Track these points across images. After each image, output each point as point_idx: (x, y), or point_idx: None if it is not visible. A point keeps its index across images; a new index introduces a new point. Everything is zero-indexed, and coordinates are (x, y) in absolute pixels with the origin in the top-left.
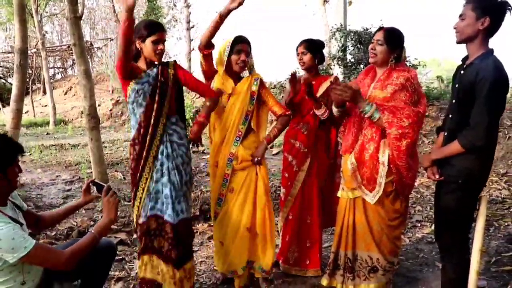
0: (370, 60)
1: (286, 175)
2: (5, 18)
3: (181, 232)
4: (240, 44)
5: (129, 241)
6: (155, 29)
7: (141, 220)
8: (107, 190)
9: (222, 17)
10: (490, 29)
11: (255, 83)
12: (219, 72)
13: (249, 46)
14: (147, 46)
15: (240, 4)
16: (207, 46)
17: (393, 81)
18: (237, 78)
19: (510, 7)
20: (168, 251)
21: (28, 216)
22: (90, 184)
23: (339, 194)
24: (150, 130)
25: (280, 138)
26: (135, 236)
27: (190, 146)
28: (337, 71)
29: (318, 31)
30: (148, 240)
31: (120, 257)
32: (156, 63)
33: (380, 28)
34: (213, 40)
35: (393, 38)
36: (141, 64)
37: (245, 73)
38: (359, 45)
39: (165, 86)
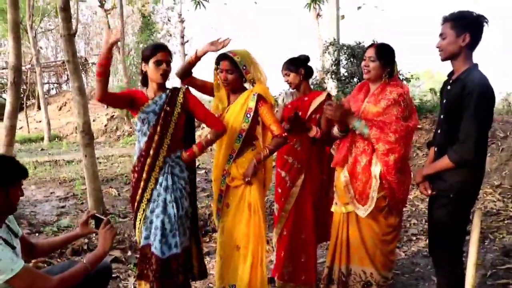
0: (364, 76)
1: (280, 190)
2: None
3: (172, 266)
4: (221, 62)
5: (123, 259)
6: (157, 50)
7: (139, 247)
8: (106, 222)
9: (198, 58)
10: (471, 44)
11: (253, 98)
12: (214, 89)
13: (230, 63)
14: (150, 68)
15: (220, 48)
16: (183, 78)
17: (386, 95)
18: (241, 91)
19: (486, 20)
20: (152, 282)
21: (23, 243)
22: (89, 217)
23: (332, 208)
24: (149, 160)
25: (274, 154)
26: (129, 253)
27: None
28: (331, 85)
29: (312, 45)
30: (143, 267)
31: (115, 275)
32: (167, 88)
33: (371, 45)
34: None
35: (385, 54)
36: (150, 90)
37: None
38: (352, 59)
39: (170, 116)
